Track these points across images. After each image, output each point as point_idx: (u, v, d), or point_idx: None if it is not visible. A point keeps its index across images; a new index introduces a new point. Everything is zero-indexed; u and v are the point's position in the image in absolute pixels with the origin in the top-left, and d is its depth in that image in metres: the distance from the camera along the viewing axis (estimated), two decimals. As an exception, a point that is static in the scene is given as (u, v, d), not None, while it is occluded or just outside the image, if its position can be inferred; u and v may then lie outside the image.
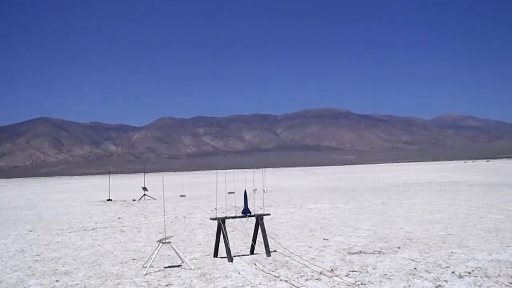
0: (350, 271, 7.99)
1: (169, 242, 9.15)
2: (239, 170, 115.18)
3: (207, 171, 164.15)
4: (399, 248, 9.83)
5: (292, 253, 9.71)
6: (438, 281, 7.21)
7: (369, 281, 7.35)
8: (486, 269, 7.79)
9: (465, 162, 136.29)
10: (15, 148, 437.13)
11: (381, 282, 7.30)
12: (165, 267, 9.01)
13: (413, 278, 7.39)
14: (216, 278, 8.00)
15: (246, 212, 9.92)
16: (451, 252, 9.20)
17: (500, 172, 50.78)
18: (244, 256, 9.68)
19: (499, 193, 22.40)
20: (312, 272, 8.04)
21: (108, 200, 28.77)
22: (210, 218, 10.16)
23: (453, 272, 7.69)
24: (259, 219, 9.76)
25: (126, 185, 60.09)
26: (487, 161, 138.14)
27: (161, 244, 9.15)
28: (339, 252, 9.65)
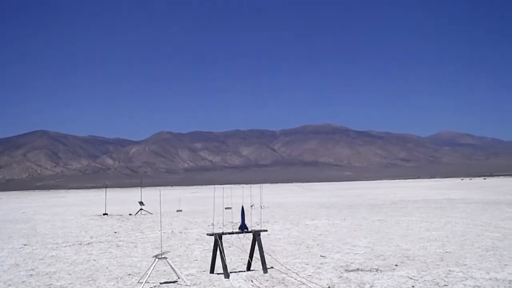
0: (347, 289, 7.92)
1: (165, 258, 9.09)
2: (236, 186, 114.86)
3: (204, 186, 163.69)
4: (396, 265, 9.78)
5: (289, 269, 9.64)
6: (436, 299, 7.15)
7: (366, 299, 7.29)
8: (484, 288, 7.75)
9: (462, 179, 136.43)
10: (12, 160, 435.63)
11: (379, 300, 7.24)
12: (160, 283, 8.93)
13: (411, 297, 7.33)
14: (212, 294, 7.92)
15: (243, 228, 9.87)
16: (449, 270, 9.16)
17: (497, 190, 50.83)
18: (240, 273, 9.61)
19: (496, 211, 22.38)
20: (309, 289, 7.97)
21: (104, 214, 28.62)
22: (207, 234, 10.11)
23: (451, 290, 7.63)
24: (256, 235, 9.71)
25: (123, 199, 59.81)
26: (484, 178, 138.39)
27: (157, 259, 9.08)
28: (336, 269, 9.59)
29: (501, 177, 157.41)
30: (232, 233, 10.08)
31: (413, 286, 7.95)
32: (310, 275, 9.10)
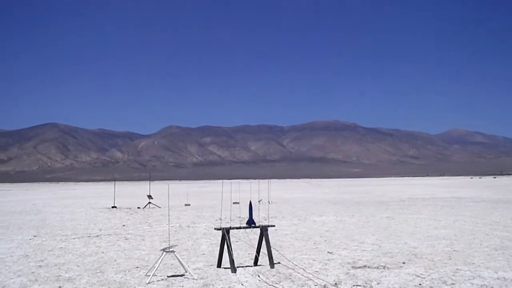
0: (354, 286, 7.93)
1: (172, 251, 9.13)
2: (244, 181, 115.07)
3: (212, 181, 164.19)
4: (404, 263, 9.75)
5: (296, 265, 9.65)
6: (443, 298, 7.12)
7: (373, 296, 7.28)
8: (492, 287, 7.70)
9: (471, 178, 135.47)
10: (23, 153, 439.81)
11: (385, 297, 7.23)
12: (168, 276, 8.98)
13: (418, 294, 7.31)
14: (219, 288, 7.95)
15: (250, 223, 9.89)
16: (457, 269, 9.11)
17: (507, 189, 50.39)
18: (247, 267, 9.64)
19: (506, 210, 22.20)
20: (316, 285, 7.98)
21: (113, 207, 28.82)
22: (215, 228, 10.14)
23: (458, 289, 7.60)
24: (264, 230, 9.72)
25: (131, 192, 60.17)
26: (494, 177, 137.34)
27: (164, 252, 9.13)
28: (343, 266, 9.58)
29: (511, 176, 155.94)
30: (240, 228, 10.10)
31: (420, 284, 7.93)
32: (317, 271, 9.10)
